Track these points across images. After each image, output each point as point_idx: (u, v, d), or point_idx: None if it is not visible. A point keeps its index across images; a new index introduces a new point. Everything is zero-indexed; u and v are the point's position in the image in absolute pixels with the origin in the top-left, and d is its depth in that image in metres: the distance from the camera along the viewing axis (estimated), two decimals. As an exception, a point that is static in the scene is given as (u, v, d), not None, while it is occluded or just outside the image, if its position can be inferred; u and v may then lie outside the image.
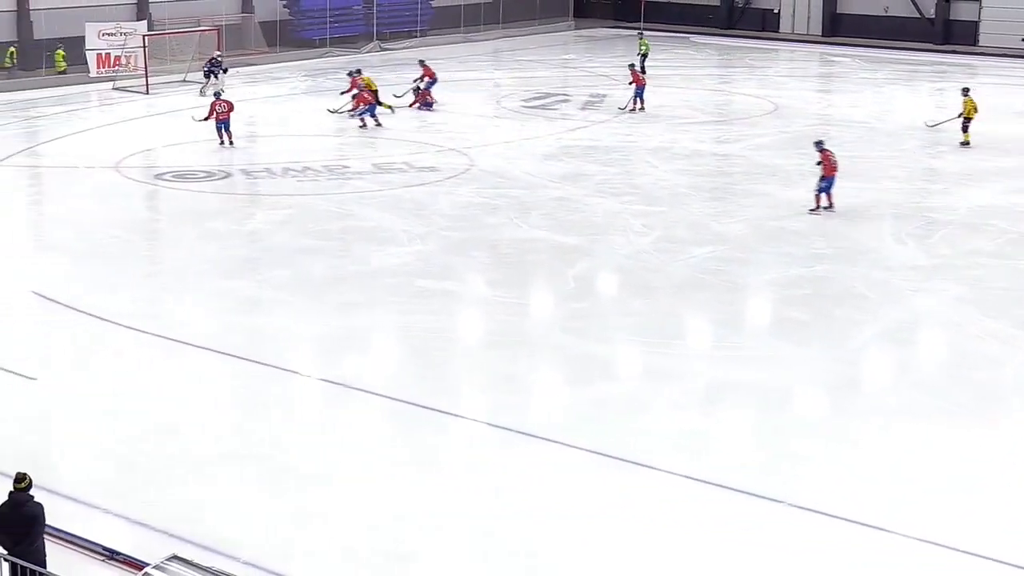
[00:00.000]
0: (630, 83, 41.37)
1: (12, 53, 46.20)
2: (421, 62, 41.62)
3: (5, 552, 12.06)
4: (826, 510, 15.18)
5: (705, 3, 64.11)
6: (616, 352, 20.80)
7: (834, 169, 28.30)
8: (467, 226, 27.70)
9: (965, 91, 36.00)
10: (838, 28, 61.28)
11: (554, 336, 21.41)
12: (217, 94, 36.48)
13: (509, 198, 30.11)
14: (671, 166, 33.66)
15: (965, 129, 35.47)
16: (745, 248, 26.37)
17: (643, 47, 49.73)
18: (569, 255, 25.54)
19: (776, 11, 63.08)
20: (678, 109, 42.05)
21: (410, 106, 40.30)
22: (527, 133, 37.74)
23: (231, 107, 35.12)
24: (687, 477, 15.99)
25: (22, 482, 12.54)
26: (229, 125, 34.96)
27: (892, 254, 26.10)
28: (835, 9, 61.60)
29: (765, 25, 63.04)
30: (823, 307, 22.83)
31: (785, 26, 62.88)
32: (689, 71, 51.80)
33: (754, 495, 15.54)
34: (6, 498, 12.60)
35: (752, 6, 63.86)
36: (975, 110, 35.33)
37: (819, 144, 28.91)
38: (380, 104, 37.90)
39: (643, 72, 44.67)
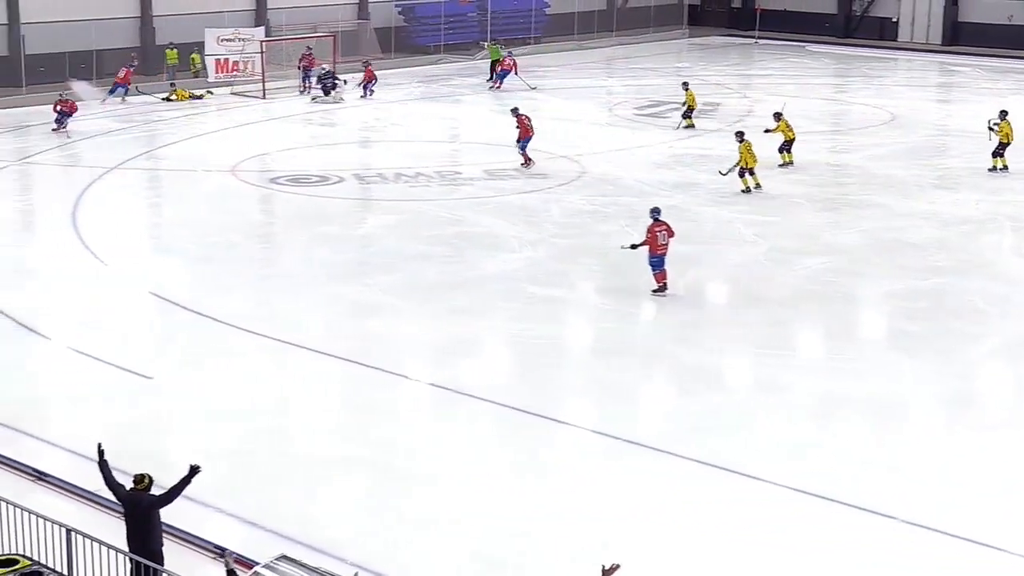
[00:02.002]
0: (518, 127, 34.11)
1: (195, 59, 47.45)
2: (515, 111, 34.76)
3: (126, 550, 12.31)
4: (939, 527, 14.89)
5: (821, 11, 63.36)
6: (726, 362, 20.63)
7: (658, 247, 23.57)
8: (578, 233, 27.68)
9: (1003, 114, 33.75)
10: (959, 37, 60.18)
11: (663, 345, 21.31)
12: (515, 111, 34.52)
13: (620, 206, 30.04)
14: (784, 175, 33.30)
15: (997, 155, 33.39)
16: (859, 259, 26.00)
17: (494, 54, 48.96)
18: (679, 263, 25.34)
19: (895, 20, 62.14)
20: (792, 119, 41.52)
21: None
22: (639, 141, 37.62)
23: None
24: (796, 490, 15.79)
25: (141, 483, 12.80)
26: None
27: (1012, 268, 25.56)
28: (956, 17, 60.50)
29: (883, 34, 62.11)
30: (939, 320, 22.44)
31: (904, 35, 61.92)
32: (804, 80, 51.23)
33: (866, 510, 15.29)
34: (127, 496, 12.86)
35: (870, 14, 62.98)
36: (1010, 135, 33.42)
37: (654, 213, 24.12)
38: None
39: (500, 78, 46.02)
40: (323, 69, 45.43)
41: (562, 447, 17.48)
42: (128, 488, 12.91)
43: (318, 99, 43.93)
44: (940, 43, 60.36)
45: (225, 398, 18.63)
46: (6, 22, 44.28)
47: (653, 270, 23.56)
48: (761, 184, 31.25)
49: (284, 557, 12.27)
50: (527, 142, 33.70)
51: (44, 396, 19.03)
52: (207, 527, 14.37)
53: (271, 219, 30.37)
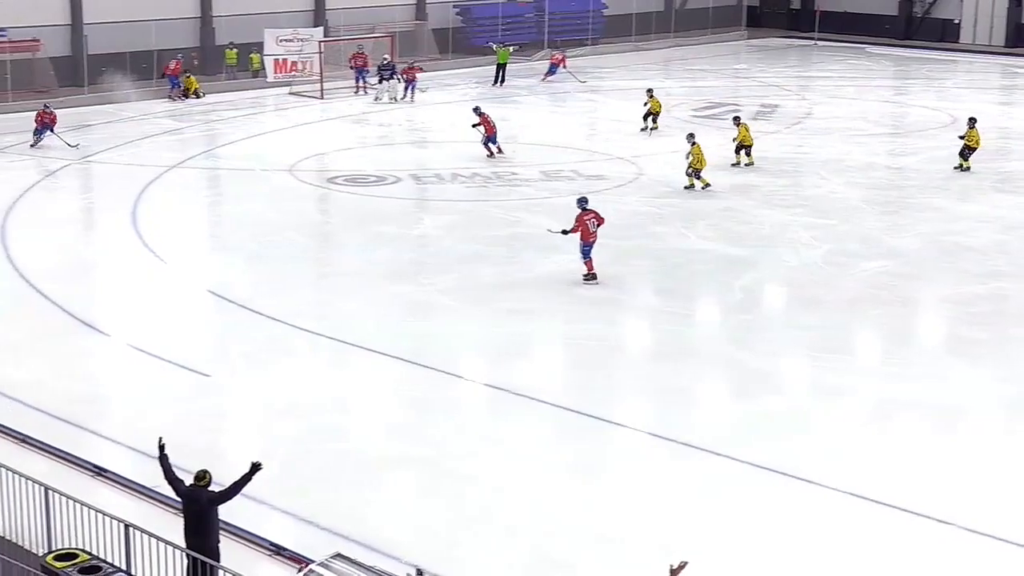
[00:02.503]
0: (476, 125, 35.00)
1: (254, 59, 47.84)
2: (477, 110, 35.76)
3: (183, 545, 12.41)
4: (998, 534, 14.73)
5: (882, 13, 62.83)
6: (783, 366, 20.50)
7: (588, 235, 24.09)
8: (634, 235, 27.61)
9: (972, 122, 33.79)
10: (1023, 38, 59.45)
11: (720, 348, 21.20)
12: (477, 109, 35.86)
13: (676, 208, 29.94)
14: (843, 178, 33.06)
15: (963, 156, 33.64)
16: (919, 263, 25.77)
17: (502, 57, 48.59)
18: (736, 266, 25.27)
19: (957, 21, 61.49)
20: (851, 121, 41.31)
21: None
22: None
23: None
24: (852, 495, 15.66)
25: (202, 479, 12.90)
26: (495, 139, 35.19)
27: (1075, 273, 25.23)
28: (1020, 19, 59.77)
29: (944, 35, 61.46)
30: (999, 325, 22.18)
31: (966, 36, 61.24)
32: (863, 82, 50.82)
33: (923, 516, 15.15)
34: (187, 492, 12.97)
35: (931, 16, 62.38)
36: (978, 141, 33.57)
37: (581, 202, 24.62)
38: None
39: (502, 83, 46.23)
40: (385, 59, 45.56)
41: (617, 449, 17.43)
42: (188, 484, 13.02)
43: (380, 99, 44.07)
44: (1003, 45, 59.65)
45: (282, 396, 18.73)
46: (69, 23, 44.78)
47: (583, 258, 23.86)
48: (710, 184, 31.29)
49: (339, 555, 12.33)
50: (492, 138, 34.73)
51: (103, 393, 19.24)
52: (263, 524, 14.45)
53: (328, 219, 30.51)
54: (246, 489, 13.14)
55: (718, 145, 37.10)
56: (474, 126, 35.00)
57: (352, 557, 12.38)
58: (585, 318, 22.29)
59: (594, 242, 23.87)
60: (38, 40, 43.55)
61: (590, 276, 23.84)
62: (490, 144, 34.90)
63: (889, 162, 35.54)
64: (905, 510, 15.30)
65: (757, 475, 16.28)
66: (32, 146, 35.61)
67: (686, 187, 31.32)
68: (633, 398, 19.38)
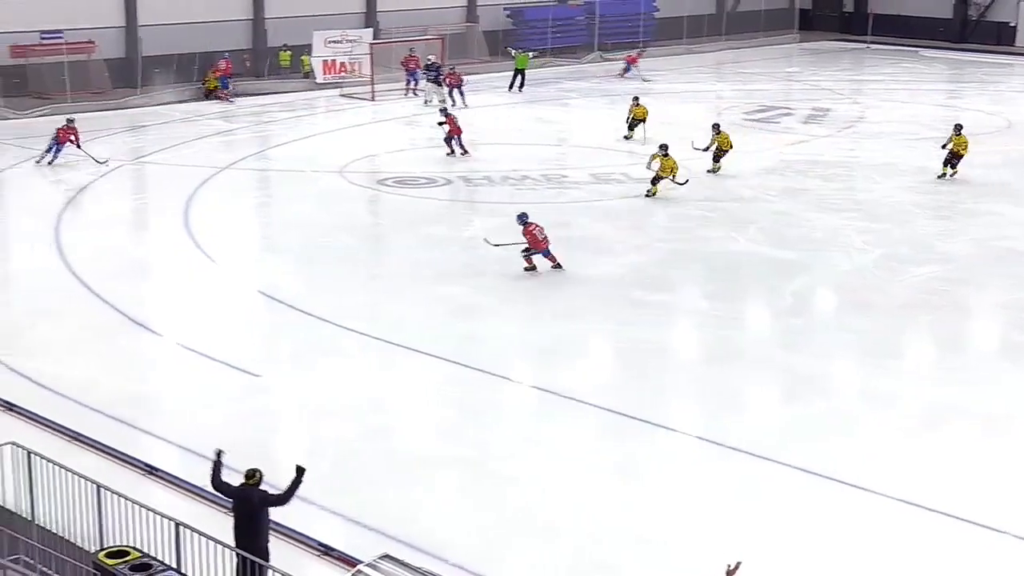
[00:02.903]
0: (441, 123, 35.92)
1: (305, 61, 48.00)
2: (444, 112, 37.01)
3: (232, 544, 12.49)
4: (1051, 544, 14.59)
5: (936, 15, 62.31)
6: (832, 370, 20.38)
7: (540, 243, 24.64)
8: (684, 238, 27.54)
9: (958, 128, 33.21)
10: (1079, 42, 58.87)
11: (770, 352, 21.12)
12: (444, 110, 36.99)
13: (727, 211, 29.83)
14: (895, 182, 32.82)
15: (949, 164, 32.83)
16: (971, 269, 25.55)
17: (521, 62, 47.83)
18: (787, 270, 25.15)
19: (1013, 24, 60.89)
20: (904, 125, 41.00)
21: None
22: (747, 146, 37.28)
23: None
24: (901, 501, 15.55)
25: (252, 478, 12.98)
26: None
27: None
28: (1076, 22, 59.20)
29: (1000, 38, 60.87)
30: (1053, 332, 21.97)
31: (1022, 39, 60.63)
32: (917, 85, 50.45)
33: (974, 523, 15.02)
34: (237, 492, 13.05)
35: (987, 19, 61.80)
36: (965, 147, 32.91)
37: (522, 218, 25.06)
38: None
39: (520, 88, 46.33)
40: (429, 60, 45.70)
41: (662, 451, 17.38)
42: (238, 484, 13.09)
43: (430, 102, 44.19)
44: (1060, 48, 59.06)
45: (330, 397, 18.82)
46: (124, 25, 45.18)
47: (546, 256, 24.58)
48: (657, 193, 30.67)
49: (387, 556, 12.37)
50: (457, 139, 35.42)
51: (154, 391, 19.40)
52: (311, 525, 14.52)
53: (378, 220, 30.62)
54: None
55: (769, 148, 36.99)
56: (440, 124, 35.61)
57: (400, 558, 12.42)
58: (633, 321, 22.25)
59: (548, 246, 24.48)
60: (93, 42, 43.96)
61: (557, 266, 24.59)
62: (452, 142, 35.45)
63: (942, 166, 35.21)
64: (954, 516, 15.17)
65: (804, 479, 16.19)
66: (38, 162, 33.57)
67: (647, 193, 30.72)
68: (679, 401, 19.34)
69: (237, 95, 44.76)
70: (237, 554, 12.25)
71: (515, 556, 14.36)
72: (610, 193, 31.29)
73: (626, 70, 50.73)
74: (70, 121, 34.26)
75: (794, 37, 64.03)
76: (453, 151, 35.51)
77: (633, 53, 52.09)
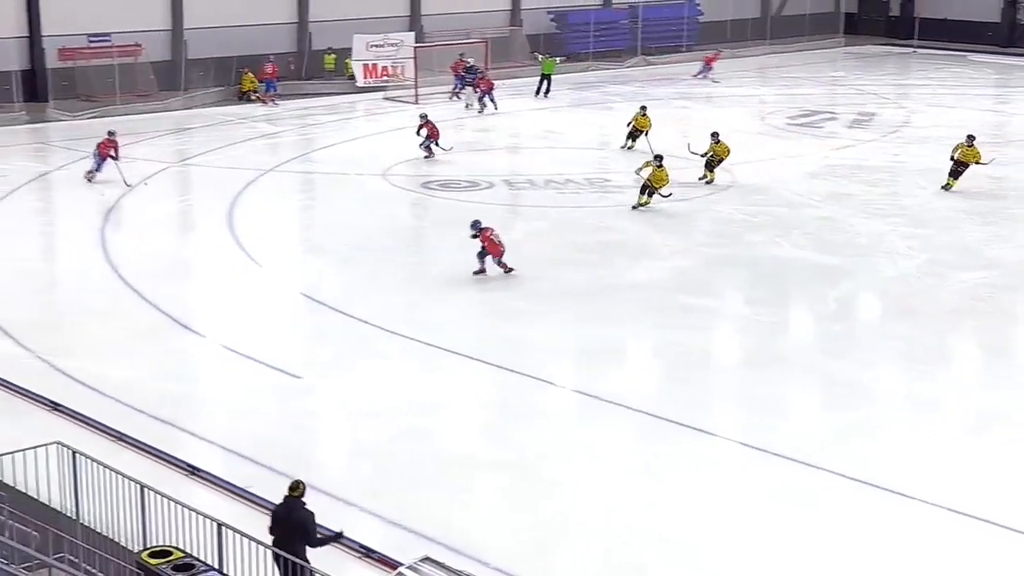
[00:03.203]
0: (419, 130, 35.90)
1: (349, 64, 48.11)
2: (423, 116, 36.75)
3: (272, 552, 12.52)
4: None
5: (983, 20, 61.78)
6: (876, 376, 20.22)
7: (496, 247, 24.50)
8: (727, 243, 27.45)
9: (970, 139, 32.48)
10: None
11: (812, 357, 21.00)
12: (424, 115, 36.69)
13: (771, 216, 29.70)
14: (940, 188, 32.55)
15: (954, 175, 32.11)
16: (1018, 275, 25.33)
17: (547, 67, 47.17)
18: (831, 276, 25.00)
19: (1061, 28, 60.37)
20: (950, 129, 40.61)
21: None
22: (791, 151, 37.16)
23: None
24: (944, 507, 15.42)
25: (296, 490, 13.00)
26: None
27: None
28: None
29: (1049, 43, 60.34)
30: (1101, 339, 21.75)
31: (1070, 44, 60.07)
32: (963, 90, 50.08)
33: (1018, 531, 14.88)
34: (281, 501, 13.09)
35: (1035, 23, 61.27)
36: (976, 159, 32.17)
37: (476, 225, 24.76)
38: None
39: (547, 94, 46.17)
40: (468, 62, 45.75)
41: (705, 456, 17.30)
42: (283, 497, 13.09)
43: (471, 106, 44.26)
44: (1109, 52, 58.43)
45: (372, 399, 18.86)
46: (170, 28, 45.51)
47: (498, 264, 24.43)
48: (648, 204, 29.97)
49: (428, 559, 12.37)
50: (436, 141, 35.47)
51: (198, 392, 19.51)
52: (352, 527, 14.54)
53: (421, 223, 30.69)
54: (335, 491, 13.22)
55: (813, 153, 36.81)
56: (418, 130, 35.72)
57: (440, 561, 12.43)
58: (676, 325, 22.20)
59: (504, 250, 24.39)
60: (140, 45, 44.33)
61: (509, 270, 24.47)
62: (432, 146, 35.51)
63: (989, 171, 34.89)
64: (998, 524, 15.03)
65: (845, 485, 16.08)
66: (89, 180, 32.29)
67: (635, 206, 29.93)
68: (720, 405, 19.26)
69: (281, 97, 44.99)
70: (276, 556, 12.28)
71: (554, 560, 14.34)
72: (655, 197, 31.19)
73: (704, 70, 51.15)
74: (111, 134, 33.08)
75: (839, 41, 63.69)
76: (432, 154, 35.53)
77: (711, 53, 52.46)
